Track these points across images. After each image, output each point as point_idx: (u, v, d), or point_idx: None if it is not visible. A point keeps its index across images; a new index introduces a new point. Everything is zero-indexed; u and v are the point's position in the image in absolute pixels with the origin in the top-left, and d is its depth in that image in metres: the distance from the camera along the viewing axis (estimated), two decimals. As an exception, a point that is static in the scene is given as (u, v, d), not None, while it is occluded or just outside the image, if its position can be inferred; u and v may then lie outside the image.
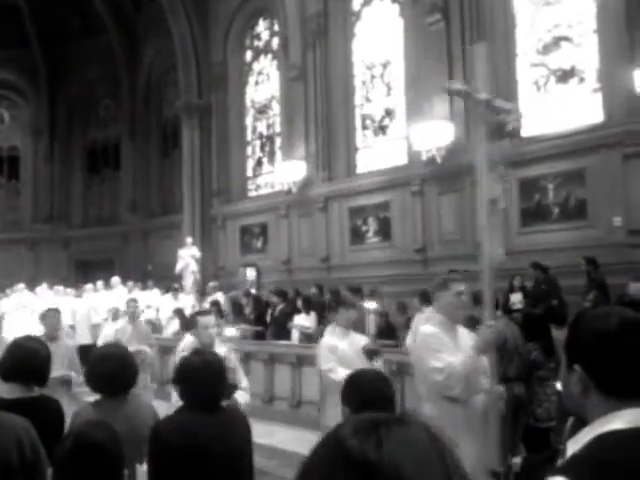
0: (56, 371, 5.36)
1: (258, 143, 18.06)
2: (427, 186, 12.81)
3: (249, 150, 18.22)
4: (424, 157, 12.44)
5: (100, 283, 15.76)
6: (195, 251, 16.19)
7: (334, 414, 3.87)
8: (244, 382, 5.04)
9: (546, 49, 11.77)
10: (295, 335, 10.63)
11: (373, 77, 14.83)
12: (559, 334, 5.99)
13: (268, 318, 11.82)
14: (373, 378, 2.99)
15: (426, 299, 9.61)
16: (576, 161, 10.67)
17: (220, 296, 13.70)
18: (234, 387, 4.45)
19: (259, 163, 17.98)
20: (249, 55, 18.32)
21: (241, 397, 4.68)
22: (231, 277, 16.69)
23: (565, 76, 11.52)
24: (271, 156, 17.54)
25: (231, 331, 9.28)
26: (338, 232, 14.55)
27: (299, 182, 15.09)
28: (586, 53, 11.22)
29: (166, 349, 10.12)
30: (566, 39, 11.54)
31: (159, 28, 19.36)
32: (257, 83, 18.12)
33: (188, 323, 11.73)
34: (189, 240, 16.45)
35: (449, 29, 12.44)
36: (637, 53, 10.02)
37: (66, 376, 5.93)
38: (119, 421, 2.75)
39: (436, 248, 12.60)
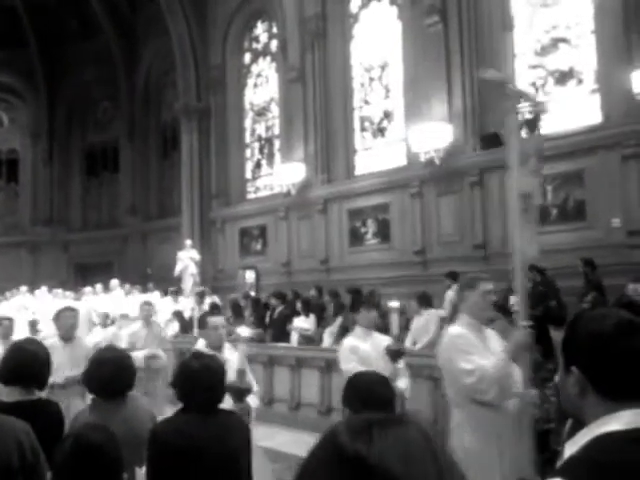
0: (73, 371, 5.38)
1: (257, 145, 18.07)
2: (426, 188, 12.82)
3: (248, 152, 18.23)
4: (423, 159, 12.45)
5: (99, 286, 15.76)
6: (194, 254, 16.18)
7: None
8: (254, 386, 4.90)
9: (544, 50, 11.79)
10: (294, 337, 10.63)
11: (371, 79, 14.85)
12: (557, 335, 5.99)
13: (267, 320, 11.82)
14: (373, 380, 3.00)
15: (425, 301, 9.65)
16: (574, 162, 10.68)
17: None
18: (247, 391, 4.29)
19: (258, 165, 17.99)
20: (248, 57, 18.34)
21: (253, 401, 4.55)
22: (230, 279, 16.69)
23: (563, 77, 11.53)
24: (270, 158, 17.55)
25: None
26: (337, 234, 14.55)
27: (298, 184, 15.09)
28: (584, 54, 11.24)
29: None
30: (564, 40, 11.56)
31: (157, 30, 19.38)
32: (256, 85, 18.13)
33: (200, 324, 11.75)
34: (188, 242, 16.44)
35: (447, 31, 12.46)
36: (635, 54, 10.04)
37: (79, 376, 5.89)
38: (117, 424, 2.75)
39: (435, 250, 12.61)
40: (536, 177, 4.14)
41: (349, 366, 4.91)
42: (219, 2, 18.17)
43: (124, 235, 21.90)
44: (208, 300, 13.75)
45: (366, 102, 14.90)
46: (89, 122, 23.79)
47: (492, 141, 11.81)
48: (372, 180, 13.91)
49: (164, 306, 14.35)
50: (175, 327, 12.23)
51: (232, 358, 4.68)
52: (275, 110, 17.34)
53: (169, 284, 15.79)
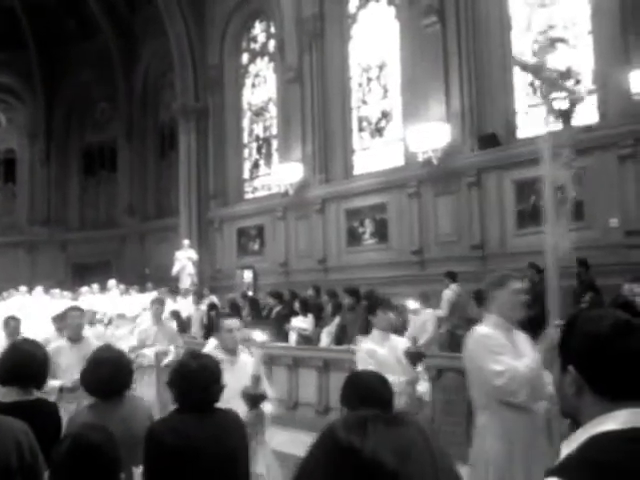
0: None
1: (255, 145, 18.07)
2: (423, 187, 12.83)
3: (246, 152, 18.23)
4: (420, 159, 12.46)
5: (96, 286, 15.75)
6: (192, 253, 16.19)
7: None
8: (269, 391, 4.65)
9: (541, 51, 11.78)
10: (293, 337, 10.63)
11: (369, 79, 14.85)
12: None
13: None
14: (371, 380, 3.01)
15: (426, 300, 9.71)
16: (572, 162, 10.67)
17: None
18: (262, 397, 4.13)
19: (256, 165, 17.99)
20: (245, 57, 18.34)
21: (268, 408, 4.37)
22: (228, 279, 16.69)
23: (561, 78, 11.52)
24: (268, 158, 17.55)
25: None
26: (335, 234, 14.55)
27: (296, 184, 15.10)
28: (581, 54, 11.25)
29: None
30: (561, 41, 11.56)
31: (156, 30, 19.37)
32: (254, 85, 18.13)
33: (212, 326, 11.74)
34: (186, 242, 16.46)
35: (445, 31, 12.47)
36: (632, 55, 10.05)
37: None
38: (115, 423, 2.76)
39: (433, 250, 12.62)
40: (569, 169, 3.98)
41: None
42: (217, 2, 18.16)
43: (122, 235, 21.89)
44: (206, 300, 13.75)
45: (364, 102, 14.90)
46: (87, 122, 23.77)
47: (490, 141, 11.83)
48: (370, 180, 13.91)
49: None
50: (172, 326, 12.20)
51: (248, 362, 4.55)
52: (273, 110, 17.34)
53: (167, 283, 15.79)
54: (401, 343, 5.13)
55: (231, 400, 3.92)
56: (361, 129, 14.91)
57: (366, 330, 8.60)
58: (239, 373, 4.28)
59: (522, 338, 3.78)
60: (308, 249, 15.02)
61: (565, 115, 4.20)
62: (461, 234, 12.14)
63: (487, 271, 11.40)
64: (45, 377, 3.49)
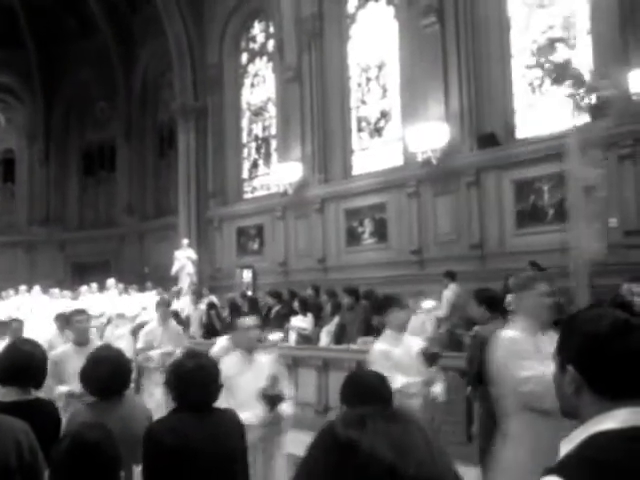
0: None
1: (254, 145, 18.06)
2: (423, 187, 12.83)
3: (245, 152, 18.22)
4: (419, 158, 12.46)
5: (95, 285, 15.74)
6: (191, 253, 16.19)
7: None
8: (288, 392, 4.51)
9: (540, 51, 11.80)
10: (292, 337, 10.63)
11: (368, 79, 14.85)
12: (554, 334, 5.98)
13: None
14: (370, 379, 3.02)
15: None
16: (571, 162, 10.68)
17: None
18: (280, 398, 4.03)
19: (255, 165, 17.99)
20: (245, 57, 18.33)
21: (286, 409, 4.26)
22: (228, 279, 16.69)
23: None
24: (267, 158, 17.55)
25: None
26: (334, 233, 14.56)
27: (295, 184, 15.10)
28: (580, 54, 11.25)
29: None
30: (560, 40, 11.57)
31: (155, 30, 19.34)
32: (253, 85, 18.13)
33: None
34: (185, 242, 16.45)
35: (444, 31, 12.47)
36: (631, 54, 10.05)
37: None
38: (114, 422, 2.76)
39: (432, 249, 12.62)
40: (599, 168, 3.86)
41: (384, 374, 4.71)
42: (216, 2, 18.15)
43: (121, 234, 21.88)
44: (205, 300, 13.75)
45: (363, 102, 14.90)
46: (86, 122, 23.75)
47: (489, 141, 11.83)
48: (369, 180, 13.92)
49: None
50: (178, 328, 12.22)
51: (265, 362, 4.46)
52: (272, 110, 17.33)
53: (166, 283, 15.79)
54: (415, 343, 5.01)
55: (249, 401, 3.91)
56: (360, 129, 14.91)
57: (365, 330, 8.63)
58: (256, 373, 4.18)
59: (549, 341, 3.63)
60: (307, 249, 15.02)
61: (595, 111, 4.08)
62: (460, 234, 12.14)
63: (486, 271, 11.43)
64: (44, 377, 3.49)
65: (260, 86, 17.84)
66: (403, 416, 0.94)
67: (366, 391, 2.84)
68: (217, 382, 3.06)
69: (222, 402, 3.93)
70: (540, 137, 11.25)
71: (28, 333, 7.35)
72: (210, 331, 11.57)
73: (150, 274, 18.43)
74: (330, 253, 14.58)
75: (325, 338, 9.87)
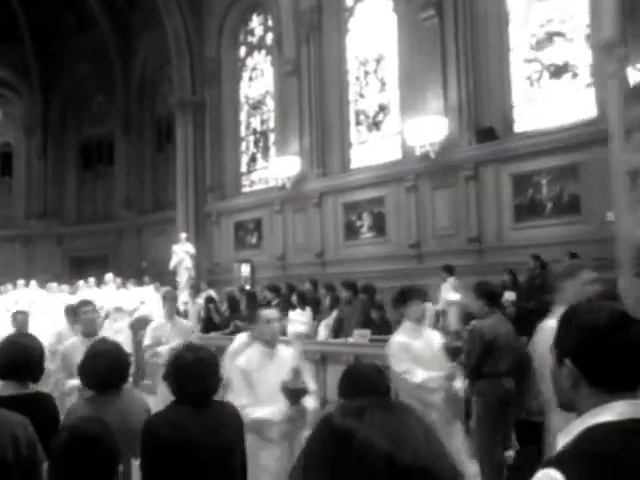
0: None
1: (252, 139, 18.04)
2: (421, 181, 12.83)
3: (243, 146, 18.20)
4: (418, 152, 12.46)
5: (93, 280, 15.74)
6: (189, 247, 16.18)
7: None
8: (312, 386, 4.31)
9: (539, 44, 11.79)
10: (291, 330, 10.62)
11: (367, 73, 14.82)
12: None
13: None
14: (368, 371, 3.02)
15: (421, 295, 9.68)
16: (569, 156, 10.70)
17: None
18: (303, 391, 3.87)
19: (253, 159, 17.96)
20: (243, 51, 18.29)
21: (310, 403, 4.10)
22: (226, 273, 16.69)
23: (558, 71, 11.54)
24: (265, 152, 17.53)
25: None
26: (332, 227, 14.56)
27: (293, 178, 15.09)
28: (579, 48, 11.24)
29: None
30: (559, 34, 11.56)
31: (153, 24, 19.30)
32: (251, 79, 18.09)
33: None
34: (183, 236, 16.44)
35: (443, 25, 12.45)
36: (630, 49, 10.03)
37: None
38: (112, 416, 2.76)
39: (430, 243, 12.63)
40: None
41: (404, 367, 4.55)
42: (214, -5, 18.11)
43: (119, 228, 21.87)
44: (203, 294, 13.75)
45: (361, 95, 14.88)
46: (84, 116, 23.70)
47: (487, 135, 11.83)
48: (367, 174, 13.91)
49: (158, 300, 14.32)
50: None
51: (287, 355, 4.32)
52: (270, 103, 17.30)
53: (164, 277, 15.78)
54: (436, 336, 4.90)
55: (271, 396, 3.82)
56: (358, 122, 14.89)
57: (364, 323, 8.63)
58: (278, 367, 4.06)
59: None
60: (306, 243, 15.02)
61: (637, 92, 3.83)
62: (458, 227, 12.15)
63: (484, 265, 11.45)
64: (42, 371, 3.49)
65: (258, 79, 17.81)
66: (400, 407, 0.95)
67: (364, 384, 2.84)
68: (216, 375, 3.06)
69: (242, 397, 3.85)
70: (538, 131, 11.25)
71: (31, 327, 7.33)
72: (208, 325, 11.56)
73: (148, 268, 18.43)
74: (328, 247, 14.58)
75: (323, 332, 9.87)
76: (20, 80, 23.19)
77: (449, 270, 10.74)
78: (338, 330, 9.37)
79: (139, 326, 11.02)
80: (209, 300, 12.57)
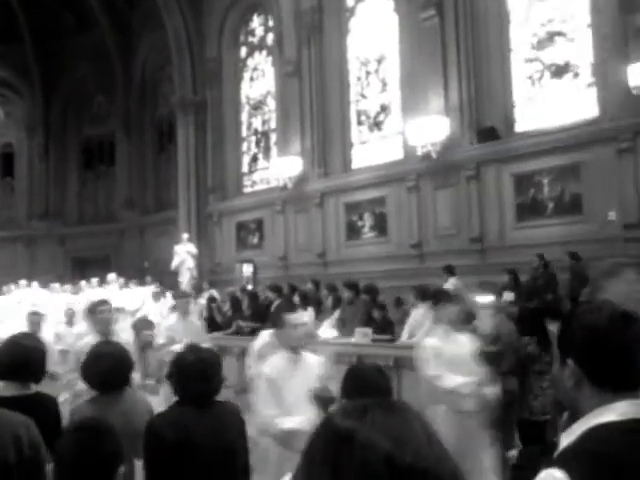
0: None
1: (253, 139, 18.05)
2: (422, 181, 12.83)
3: (244, 146, 18.21)
4: (419, 152, 12.46)
5: (94, 280, 15.75)
6: (191, 247, 16.19)
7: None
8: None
9: (540, 44, 11.79)
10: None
11: (368, 73, 14.82)
12: (554, 328, 6.01)
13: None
14: (369, 371, 3.02)
15: (422, 295, 9.66)
16: (571, 156, 10.69)
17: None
18: (333, 399, 3.58)
19: (254, 159, 17.97)
20: (244, 51, 18.30)
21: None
22: (228, 273, 16.70)
23: (559, 71, 11.53)
24: (266, 152, 17.53)
25: (327, 332, 8.52)
26: (334, 227, 14.56)
27: (295, 178, 15.09)
28: (580, 48, 11.24)
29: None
30: (560, 34, 11.55)
31: (153, 23, 19.31)
32: (252, 79, 18.10)
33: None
34: (185, 236, 16.45)
35: (443, 25, 12.45)
36: (631, 48, 10.03)
37: None
38: (115, 417, 2.76)
39: (432, 243, 12.62)
40: None
41: (436, 372, 4.43)
42: (215, -5, 18.11)
43: (121, 229, 21.89)
44: (205, 294, 13.74)
45: (363, 96, 14.88)
46: (85, 116, 23.73)
47: (488, 135, 11.83)
48: (369, 174, 13.91)
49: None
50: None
51: (313, 362, 4.06)
52: (271, 104, 17.31)
53: (166, 277, 15.79)
54: (467, 340, 4.73)
55: (298, 405, 3.63)
56: (360, 123, 14.89)
57: (366, 323, 8.62)
58: (304, 374, 3.86)
59: None
60: (307, 243, 15.03)
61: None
62: (460, 227, 12.15)
63: (486, 264, 11.44)
64: (44, 372, 3.49)
65: (259, 80, 17.82)
66: (402, 407, 0.95)
67: (366, 384, 2.84)
68: (219, 375, 3.06)
69: (269, 408, 3.69)
70: (540, 130, 11.25)
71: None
72: (211, 325, 11.56)
73: (150, 268, 18.44)
74: (330, 247, 14.58)
75: (327, 332, 9.86)
76: (21, 80, 23.21)
77: (450, 270, 10.72)
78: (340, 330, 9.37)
79: (142, 326, 11.02)
80: (211, 300, 12.57)
